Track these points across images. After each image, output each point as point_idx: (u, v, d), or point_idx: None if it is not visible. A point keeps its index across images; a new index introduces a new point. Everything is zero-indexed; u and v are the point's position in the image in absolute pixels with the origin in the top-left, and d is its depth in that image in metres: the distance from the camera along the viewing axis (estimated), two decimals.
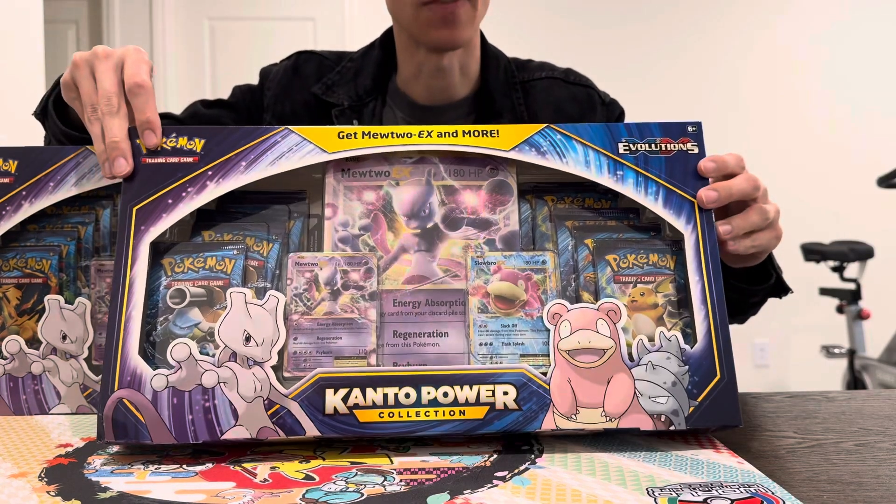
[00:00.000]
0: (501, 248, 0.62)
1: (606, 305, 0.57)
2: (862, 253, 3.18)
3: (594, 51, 3.59)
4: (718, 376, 0.56)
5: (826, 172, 3.64)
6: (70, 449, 0.56)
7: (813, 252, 3.23)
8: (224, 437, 0.53)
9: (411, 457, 0.53)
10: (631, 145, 0.62)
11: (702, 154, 0.62)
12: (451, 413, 0.54)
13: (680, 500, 0.44)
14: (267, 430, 0.54)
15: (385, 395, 0.55)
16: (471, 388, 0.55)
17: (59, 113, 0.79)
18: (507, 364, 0.57)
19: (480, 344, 0.58)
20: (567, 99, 1.03)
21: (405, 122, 0.98)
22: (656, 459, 0.52)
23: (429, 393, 0.55)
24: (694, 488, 0.45)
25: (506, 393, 0.55)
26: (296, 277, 0.59)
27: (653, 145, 0.62)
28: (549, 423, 0.55)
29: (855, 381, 3.14)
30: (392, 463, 0.52)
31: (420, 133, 0.62)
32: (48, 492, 0.46)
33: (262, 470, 0.50)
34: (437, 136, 0.62)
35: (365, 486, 0.47)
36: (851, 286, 3.20)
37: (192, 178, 0.60)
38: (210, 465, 0.52)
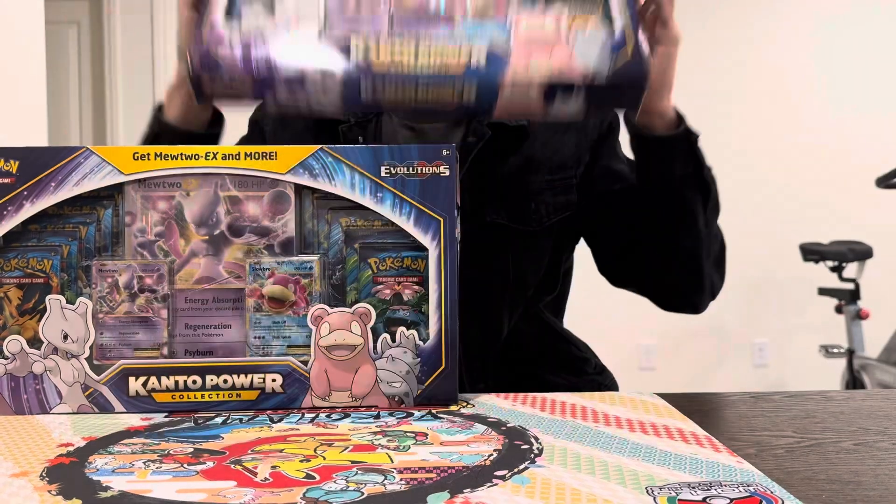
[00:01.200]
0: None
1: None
2: (861, 253, 3.19)
3: None
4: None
5: (825, 172, 3.65)
6: (71, 448, 0.56)
7: (812, 252, 3.23)
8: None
9: (411, 456, 0.53)
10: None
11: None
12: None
13: (679, 499, 0.44)
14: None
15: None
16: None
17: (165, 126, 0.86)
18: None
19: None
20: None
21: (401, 127, 0.99)
22: (656, 458, 0.52)
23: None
24: (693, 487, 0.46)
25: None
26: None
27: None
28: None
29: (854, 381, 3.14)
30: (392, 462, 0.52)
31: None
32: (49, 491, 0.47)
33: (263, 469, 0.51)
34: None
35: (365, 484, 0.47)
36: (850, 286, 3.20)
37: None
38: (211, 465, 0.52)
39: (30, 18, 2.03)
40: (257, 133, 1.03)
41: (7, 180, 0.69)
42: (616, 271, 0.97)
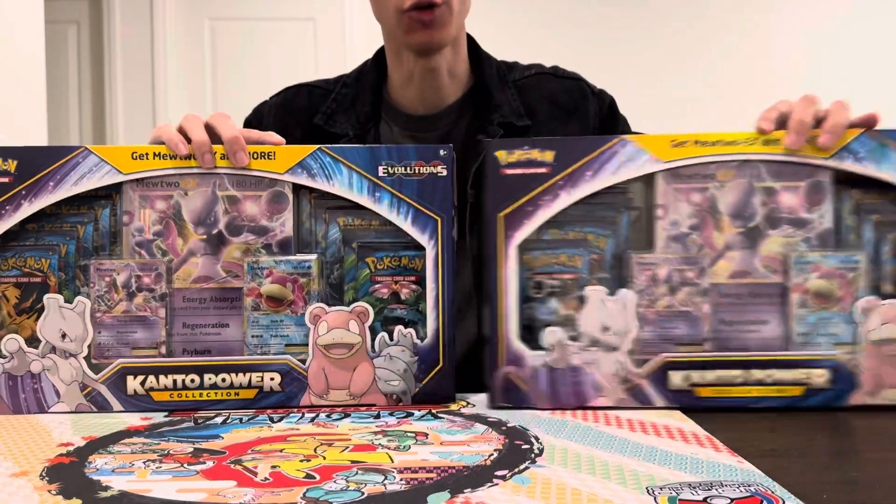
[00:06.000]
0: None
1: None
2: None
3: (585, 45, 3.60)
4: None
5: None
6: (71, 448, 0.56)
7: None
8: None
9: (412, 455, 0.53)
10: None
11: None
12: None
13: (680, 499, 0.44)
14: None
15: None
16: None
17: None
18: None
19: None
20: (560, 91, 1.05)
21: (400, 136, 0.98)
22: (656, 458, 0.52)
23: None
24: (694, 487, 0.46)
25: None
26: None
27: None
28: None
29: None
30: (392, 462, 0.52)
31: None
32: (49, 491, 0.46)
33: (263, 469, 0.50)
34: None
35: (365, 484, 0.47)
36: None
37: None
38: (211, 464, 0.52)
39: (29, 18, 2.03)
40: None
41: (5, 179, 0.68)
42: None
